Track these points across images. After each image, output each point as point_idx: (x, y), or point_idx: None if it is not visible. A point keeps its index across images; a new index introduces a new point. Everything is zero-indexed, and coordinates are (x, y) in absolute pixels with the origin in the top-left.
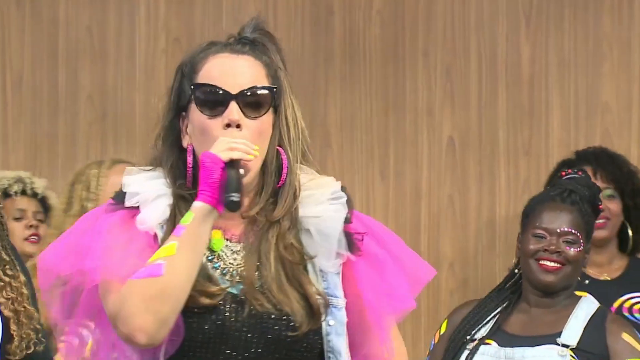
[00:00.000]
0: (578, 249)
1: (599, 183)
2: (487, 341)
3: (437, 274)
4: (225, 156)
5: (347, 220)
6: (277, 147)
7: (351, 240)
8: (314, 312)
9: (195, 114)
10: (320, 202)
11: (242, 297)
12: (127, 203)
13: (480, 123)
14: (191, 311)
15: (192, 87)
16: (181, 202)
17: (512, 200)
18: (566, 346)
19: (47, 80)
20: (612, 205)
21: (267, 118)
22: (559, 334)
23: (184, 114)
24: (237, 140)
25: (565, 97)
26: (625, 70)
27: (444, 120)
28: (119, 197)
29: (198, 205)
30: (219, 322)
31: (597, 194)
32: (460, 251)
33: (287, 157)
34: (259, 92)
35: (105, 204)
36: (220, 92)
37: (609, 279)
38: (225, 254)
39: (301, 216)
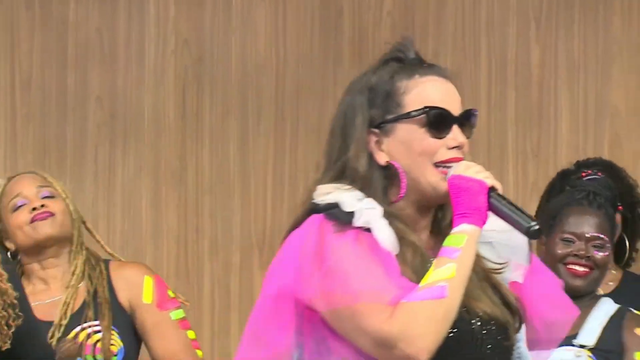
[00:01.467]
0: (606, 253)
1: None
2: None
3: None
4: (490, 182)
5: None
6: None
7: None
8: (517, 319)
9: (413, 134)
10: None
11: (465, 308)
12: (358, 223)
13: (489, 125)
14: None
15: (424, 108)
16: (396, 221)
17: (520, 202)
18: (583, 346)
19: (56, 82)
20: None
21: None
22: (575, 335)
23: (377, 131)
24: (485, 172)
25: (574, 100)
26: (635, 73)
27: None
28: (341, 217)
29: (469, 228)
30: (457, 328)
31: (617, 195)
32: None
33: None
34: (475, 113)
35: (317, 223)
36: (447, 114)
37: (602, 292)
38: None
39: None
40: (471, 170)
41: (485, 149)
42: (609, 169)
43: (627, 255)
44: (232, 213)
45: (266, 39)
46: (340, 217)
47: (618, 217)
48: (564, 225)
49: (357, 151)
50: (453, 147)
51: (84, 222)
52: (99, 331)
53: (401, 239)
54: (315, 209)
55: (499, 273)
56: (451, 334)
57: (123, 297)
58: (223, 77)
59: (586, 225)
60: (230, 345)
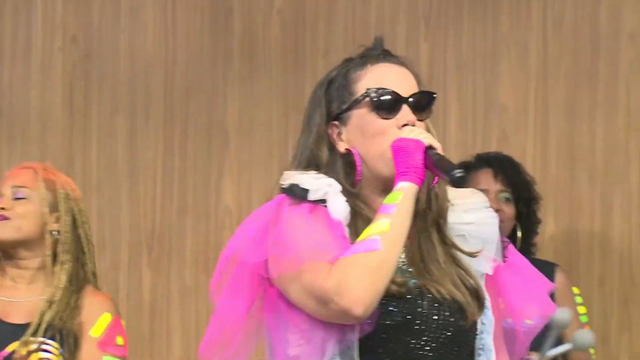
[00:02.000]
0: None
1: (498, 186)
2: None
3: None
4: (427, 141)
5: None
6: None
7: (499, 247)
8: (480, 302)
9: (364, 118)
10: (472, 210)
11: (419, 289)
12: (313, 196)
13: None
14: (383, 298)
15: (366, 91)
16: (356, 200)
17: None
18: None
19: None
20: (507, 208)
21: (426, 122)
22: None
23: (337, 122)
24: (425, 133)
25: (463, 97)
26: (522, 71)
27: None
28: (297, 192)
29: (406, 185)
30: (404, 311)
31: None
32: None
33: (431, 156)
34: (429, 94)
35: (278, 200)
36: (395, 95)
37: None
38: None
39: (453, 223)
40: (413, 133)
41: None
42: (510, 162)
43: (518, 243)
44: (121, 210)
45: (155, 36)
46: (297, 193)
47: (512, 210)
48: None
49: (319, 143)
50: (404, 126)
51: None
52: (49, 352)
53: (357, 214)
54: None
55: (473, 256)
56: (397, 311)
57: (77, 321)
58: (111, 74)
59: None
60: None
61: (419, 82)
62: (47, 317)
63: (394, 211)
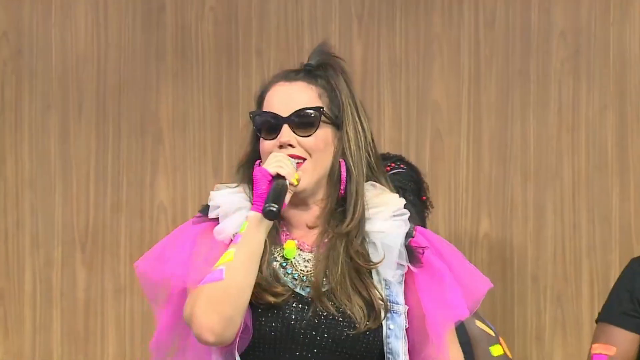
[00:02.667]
0: None
1: None
2: None
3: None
4: (273, 170)
5: (410, 235)
6: (340, 160)
7: (413, 253)
8: (374, 314)
9: (257, 138)
10: (385, 218)
11: (309, 299)
12: (210, 215)
13: None
14: (260, 309)
15: (250, 115)
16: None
17: None
18: None
19: None
20: None
21: (324, 134)
22: None
23: (250, 115)
24: (285, 162)
25: (396, 96)
26: (455, 70)
27: None
28: (205, 210)
29: (251, 214)
30: (286, 321)
31: (422, 186)
32: None
33: (348, 168)
34: (303, 113)
35: (195, 217)
36: (273, 117)
37: None
38: (298, 261)
39: (368, 230)
40: (271, 160)
41: None
42: (408, 164)
43: None
44: (54, 208)
45: (87, 32)
46: (202, 211)
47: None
48: None
49: (249, 153)
50: (281, 146)
51: None
52: None
53: None
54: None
55: (369, 268)
56: (275, 321)
57: None
58: (43, 70)
59: None
60: (52, 341)
61: (327, 95)
62: None
63: (239, 241)
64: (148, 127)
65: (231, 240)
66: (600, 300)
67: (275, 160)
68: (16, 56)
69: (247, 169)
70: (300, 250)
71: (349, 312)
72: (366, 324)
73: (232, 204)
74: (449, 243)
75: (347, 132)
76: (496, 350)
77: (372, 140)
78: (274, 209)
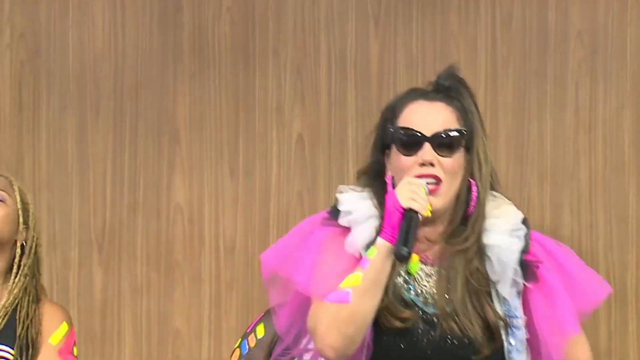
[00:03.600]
0: None
1: None
2: None
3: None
4: (405, 203)
5: (526, 250)
6: (470, 180)
7: (528, 269)
8: (494, 336)
9: (395, 153)
10: (502, 231)
11: (434, 320)
12: (341, 222)
13: (330, 121)
14: (387, 330)
15: (391, 129)
16: None
17: None
18: None
19: None
20: None
21: (459, 157)
22: None
23: (387, 151)
24: (419, 193)
25: None
26: (472, 70)
27: (294, 118)
28: (334, 213)
29: (381, 242)
30: (413, 342)
31: None
32: None
33: (478, 189)
34: (450, 134)
35: (321, 215)
36: (417, 134)
37: None
38: (420, 276)
39: (485, 243)
40: (404, 190)
41: (326, 144)
42: None
43: None
44: (71, 208)
45: (104, 32)
46: (332, 213)
47: None
48: None
49: (372, 164)
50: (423, 164)
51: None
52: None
53: None
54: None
55: (487, 290)
56: (402, 345)
57: (36, 330)
58: (60, 71)
59: None
60: None
61: (462, 118)
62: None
63: (367, 266)
64: (165, 127)
65: (360, 256)
66: (616, 301)
67: (410, 191)
68: (34, 56)
69: (370, 178)
70: (423, 264)
71: (472, 335)
72: (489, 347)
73: (362, 213)
74: (564, 247)
75: (477, 155)
76: None
77: (493, 163)
78: (406, 254)
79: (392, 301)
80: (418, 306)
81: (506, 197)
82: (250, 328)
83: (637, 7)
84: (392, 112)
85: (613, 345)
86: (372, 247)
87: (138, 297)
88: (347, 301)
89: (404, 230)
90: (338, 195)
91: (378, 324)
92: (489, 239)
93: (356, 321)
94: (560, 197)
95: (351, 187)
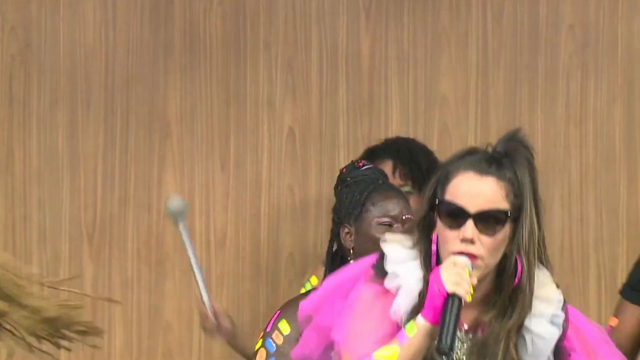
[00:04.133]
0: None
1: (397, 180)
2: None
3: (277, 263)
4: (450, 288)
5: (562, 338)
6: (517, 257)
7: (560, 356)
8: None
9: (440, 220)
10: (543, 317)
11: None
12: (387, 285)
13: (321, 115)
14: None
15: (437, 202)
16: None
17: None
18: None
19: None
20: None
21: (503, 234)
22: None
23: (437, 201)
24: (464, 277)
25: (404, 90)
26: (463, 64)
27: (285, 111)
28: (380, 271)
29: (421, 322)
30: None
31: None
32: (300, 241)
33: (522, 264)
34: (494, 214)
35: (367, 267)
36: (460, 210)
37: None
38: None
39: (526, 325)
40: (449, 272)
41: (317, 137)
42: (410, 152)
43: None
44: (61, 202)
45: (95, 27)
46: (379, 270)
47: (415, 201)
48: (376, 211)
49: (423, 218)
50: (463, 240)
51: None
52: None
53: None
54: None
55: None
56: None
57: None
58: (51, 65)
59: (397, 207)
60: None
61: (513, 192)
62: None
63: (405, 342)
64: (156, 122)
65: (401, 321)
66: (607, 294)
67: (455, 274)
68: (24, 51)
69: (421, 232)
70: (458, 330)
71: None
72: None
73: (409, 278)
74: (596, 327)
75: (523, 227)
76: None
77: (543, 232)
78: (447, 349)
79: None
80: None
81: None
82: (271, 327)
83: (628, 1)
84: (445, 174)
85: None
86: (411, 323)
87: (128, 290)
88: None
89: (447, 320)
90: (385, 248)
91: None
92: (530, 322)
93: None
94: (551, 191)
95: (399, 237)
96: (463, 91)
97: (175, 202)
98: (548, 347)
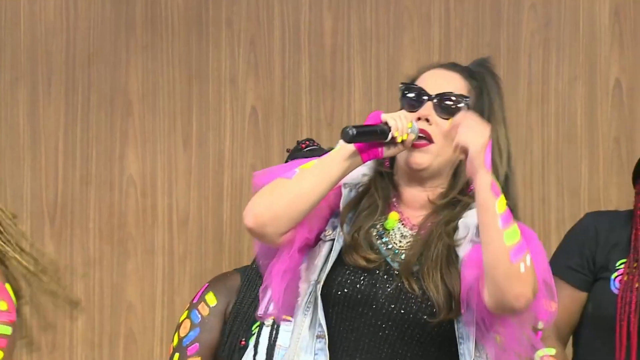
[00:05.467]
0: None
1: None
2: None
3: (239, 242)
4: (384, 117)
5: None
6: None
7: None
8: (455, 307)
9: (400, 104)
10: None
11: (396, 272)
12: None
13: (284, 93)
14: (348, 269)
15: (400, 84)
16: (378, 177)
17: None
18: None
19: None
20: None
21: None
22: None
23: (400, 86)
24: (403, 119)
25: (366, 68)
26: (425, 42)
27: (248, 90)
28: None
29: (347, 145)
30: (369, 286)
31: None
32: None
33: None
34: (452, 97)
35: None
36: (420, 91)
37: None
38: (395, 234)
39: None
40: (394, 113)
41: (280, 116)
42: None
43: None
44: (22, 181)
45: (56, 4)
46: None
47: None
48: None
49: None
50: (419, 119)
51: None
52: None
53: (371, 193)
54: None
55: (454, 245)
56: (357, 284)
57: None
58: (12, 42)
59: None
60: (21, 314)
61: (474, 93)
62: None
63: (323, 157)
64: (117, 99)
65: (340, 191)
66: None
67: (397, 114)
68: None
69: None
70: (402, 224)
71: (433, 298)
72: (445, 314)
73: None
74: (539, 245)
75: (493, 140)
76: None
77: (510, 155)
78: (350, 132)
79: (361, 241)
80: (384, 256)
81: None
82: (198, 298)
83: None
84: (413, 78)
85: None
86: (338, 144)
87: (90, 270)
88: (289, 177)
89: (366, 126)
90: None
91: (343, 262)
92: (468, 215)
93: (288, 197)
94: (514, 170)
95: None
96: None
97: None
98: (474, 219)
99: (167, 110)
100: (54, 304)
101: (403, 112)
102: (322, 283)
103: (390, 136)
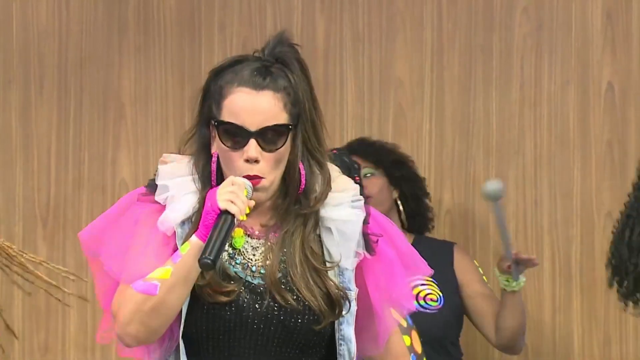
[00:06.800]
0: None
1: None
2: None
3: None
4: (222, 205)
5: (365, 222)
6: (300, 164)
7: (368, 241)
8: (335, 306)
9: (220, 140)
10: (341, 203)
11: (262, 290)
12: (157, 198)
13: None
14: (212, 303)
15: (215, 122)
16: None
17: None
18: None
19: None
20: (369, 183)
21: (285, 147)
22: None
23: (214, 122)
24: (240, 196)
25: (359, 71)
26: (418, 45)
27: None
28: (152, 186)
29: (194, 240)
30: (239, 313)
31: (352, 168)
32: None
33: (305, 168)
34: (275, 129)
35: (140, 190)
36: (241, 129)
37: None
38: (246, 249)
39: (323, 216)
40: (226, 190)
41: None
42: (364, 142)
43: (404, 217)
44: (15, 184)
45: (48, 6)
46: (150, 187)
47: (377, 181)
48: None
49: (201, 135)
50: (247, 160)
51: None
52: None
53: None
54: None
55: (327, 269)
56: (226, 318)
57: None
58: (4, 44)
59: None
60: (13, 316)
61: (290, 102)
62: None
63: (178, 261)
64: (110, 102)
65: (174, 235)
66: (561, 276)
67: (230, 193)
68: None
69: (196, 148)
70: (249, 237)
71: (314, 305)
72: (329, 317)
73: (180, 188)
74: (394, 225)
75: (303, 133)
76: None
77: (322, 134)
78: (209, 262)
79: (214, 278)
80: (243, 279)
81: (451, 172)
82: None
83: None
84: (218, 89)
85: (557, 320)
86: (186, 243)
87: (83, 272)
88: (153, 293)
89: (215, 235)
90: (160, 167)
91: (205, 300)
92: (327, 212)
93: (161, 314)
94: (506, 173)
95: (176, 155)
96: (418, 73)
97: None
98: (355, 230)
99: (160, 113)
100: (46, 307)
101: (236, 183)
102: (182, 328)
103: (236, 220)
